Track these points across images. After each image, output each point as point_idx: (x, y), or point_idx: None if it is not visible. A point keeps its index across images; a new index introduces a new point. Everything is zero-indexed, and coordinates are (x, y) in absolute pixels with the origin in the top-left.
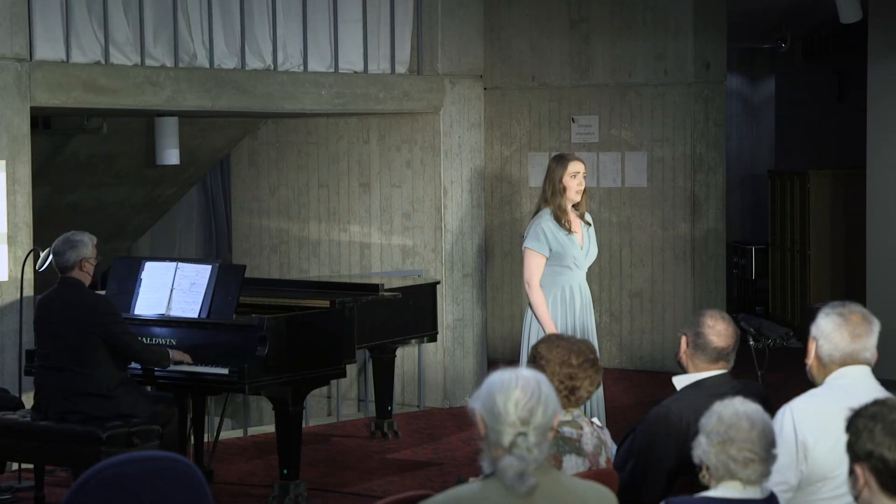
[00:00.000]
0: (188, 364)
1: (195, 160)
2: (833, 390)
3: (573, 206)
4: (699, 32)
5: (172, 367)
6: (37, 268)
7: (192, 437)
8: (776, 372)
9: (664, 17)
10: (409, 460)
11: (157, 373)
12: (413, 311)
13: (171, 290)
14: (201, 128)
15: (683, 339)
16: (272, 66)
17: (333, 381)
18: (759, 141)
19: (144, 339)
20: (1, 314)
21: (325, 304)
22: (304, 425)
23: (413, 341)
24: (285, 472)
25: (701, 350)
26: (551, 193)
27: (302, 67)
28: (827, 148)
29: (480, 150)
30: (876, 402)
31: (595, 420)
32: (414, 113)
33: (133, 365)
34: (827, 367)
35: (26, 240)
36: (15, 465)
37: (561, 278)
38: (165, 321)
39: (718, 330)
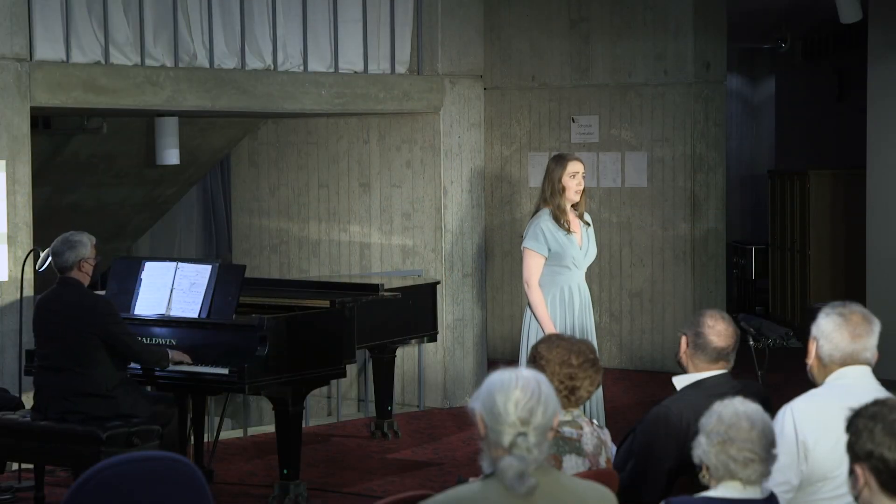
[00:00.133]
0: (188, 364)
1: (195, 160)
2: (833, 390)
3: (572, 206)
4: (699, 32)
5: (172, 367)
6: (37, 268)
7: (192, 437)
8: (776, 372)
9: (664, 17)
10: (409, 460)
11: (157, 373)
12: (413, 311)
13: (171, 290)
14: (201, 128)
15: (683, 339)
16: (272, 66)
17: (333, 381)
18: (759, 141)
19: (144, 339)
20: (1, 314)
21: (325, 304)
22: (304, 425)
23: (413, 341)
24: (285, 472)
25: (701, 350)
26: (550, 193)
27: (302, 67)
28: (827, 148)
29: (480, 150)
30: (876, 402)
31: (594, 420)
32: (414, 113)
33: (133, 365)
34: (827, 367)
35: (26, 240)
36: (15, 465)
37: (560, 278)
38: (165, 321)
39: (718, 330)
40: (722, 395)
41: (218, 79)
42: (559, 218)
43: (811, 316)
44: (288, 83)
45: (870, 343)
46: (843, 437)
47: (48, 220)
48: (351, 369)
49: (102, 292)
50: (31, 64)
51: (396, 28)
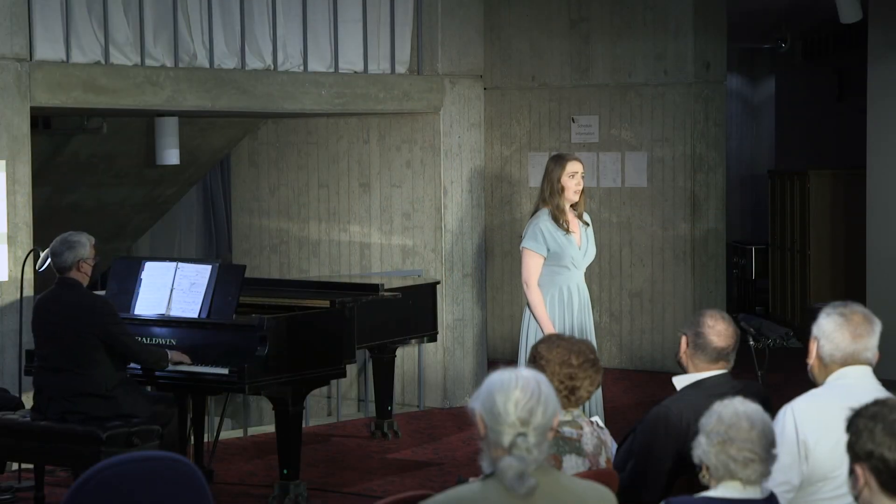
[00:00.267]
0: (187, 365)
1: (195, 160)
2: (834, 390)
3: (571, 206)
4: (699, 32)
5: (172, 368)
6: (37, 268)
7: (192, 437)
8: (776, 372)
9: (664, 17)
10: (409, 460)
11: (157, 373)
12: (413, 311)
13: (171, 290)
14: (201, 128)
15: (683, 339)
16: (272, 66)
17: (333, 381)
18: (759, 141)
19: (144, 339)
20: (1, 314)
21: (325, 304)
22: (304, 425)
23: (413, 341)
24: (285, 472)
25: (701, 350)
26: (549, 193)
27: (302, 67)
28: (827, 148)
29: (480, 150)
30: (876, 402)
31: (596, 419)
32: (414, 113)
33: (133, 365)
34: (828, 366)
35: (26, 240)
36: (15, 465)
37: (559, 278)
38: (165, 321)
39: (718, 330)
40: (722, 395)
41: (218, 79)
42: (558, 218)
43: (811, 316)
44: (288, 83)
45: (871, 343)
46: (844, 437)
47: (48, 220)
48: (351, 369)
49: (102, 292)
50: (31, 64)
51: (396, 28)
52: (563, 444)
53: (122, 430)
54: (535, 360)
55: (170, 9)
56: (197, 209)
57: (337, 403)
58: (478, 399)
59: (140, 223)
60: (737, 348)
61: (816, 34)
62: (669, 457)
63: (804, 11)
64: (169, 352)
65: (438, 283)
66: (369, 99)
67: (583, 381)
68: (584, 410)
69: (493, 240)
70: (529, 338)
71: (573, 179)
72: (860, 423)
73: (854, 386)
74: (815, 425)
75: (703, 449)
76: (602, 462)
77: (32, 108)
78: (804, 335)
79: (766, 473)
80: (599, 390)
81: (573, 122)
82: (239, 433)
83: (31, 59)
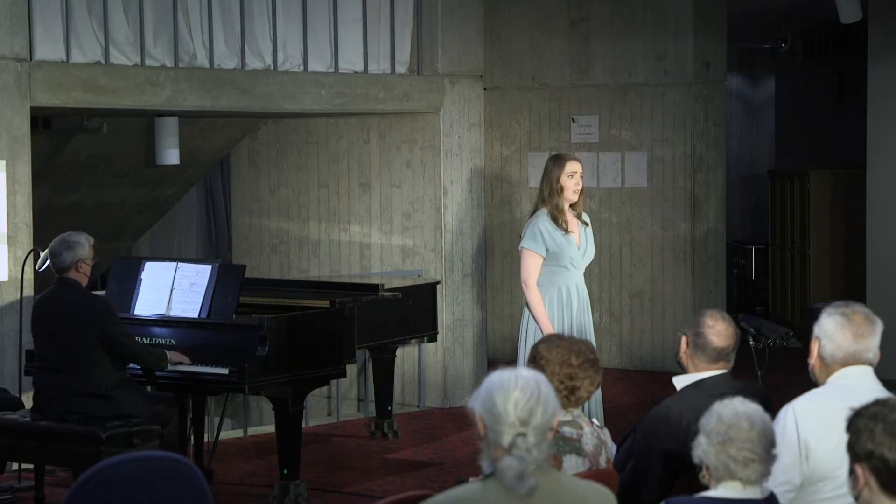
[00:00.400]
0: (187, 365)
1: (195, 160)
2: (835, 390)
3: (570, 205)
4: (699, 32)
5: (171, 368)
6: (37, 268)
7: (192, 437)
8: (776, 372)
9: (664, 17)
10: (409, 460)
11: (157, 372)
12: (413, 311)
13: (171, 290)
14: (201, 128)
15: (683, 339)
16: (272, 66)
17: (333, 381)
18: (759, 141)
19: (144, 339)
20: (1, 314)
21: (325, 304)
22: (304, 425)
23: (413, 341)
24: (285, 472)
25: (701, 350)
26: (548, 193)
27: (302, 67)
28: (827, 148)
29: (480, 150)
30: (877, 402)
31: (595, 420)
32: (414, 113)
33: (133, 365)
34: (829, 366)
35: (26, 240)
36: (15, 465)
37: (558, 278)
38: (165, 321)
39: (718, 330)
40: (722, 395)
41: (218, 79)
42: (557, 218)
43: (811, 316)
44: (288, 83)
45: (872, 343)
46: (845, 437)
47: (48, 220)
48: (351, 369)
49: (102, 292)
50: (31, 64)
51: (396, 28)
52: (563, 444)
53: (122, 430)
54: (535, 360)
55: (170, 9)
56: (197, 209)
57: (337, 403)
58: (477, 399)
59: (140, 223)
60: (737, 348)
61: (816, 34)
62: (669, 457)
63: (804, 11)
64: (168, 352)
65: (438, 283)
66: (369, 99)
67: (583, 381)
68: (583, 410)
69: (493, 240)
70: (529, 338)
71: (572, 179)
72: (860, 423)
73: (855, 386)
74: (816, 425)
75: (703, 449)
76: (602, 462)
77: (32, 108)
78: (804, 335)
79: (766, 473)
80: (599, 390)
81: (573, 122)
82: (239, 433)
83: (31, 59)
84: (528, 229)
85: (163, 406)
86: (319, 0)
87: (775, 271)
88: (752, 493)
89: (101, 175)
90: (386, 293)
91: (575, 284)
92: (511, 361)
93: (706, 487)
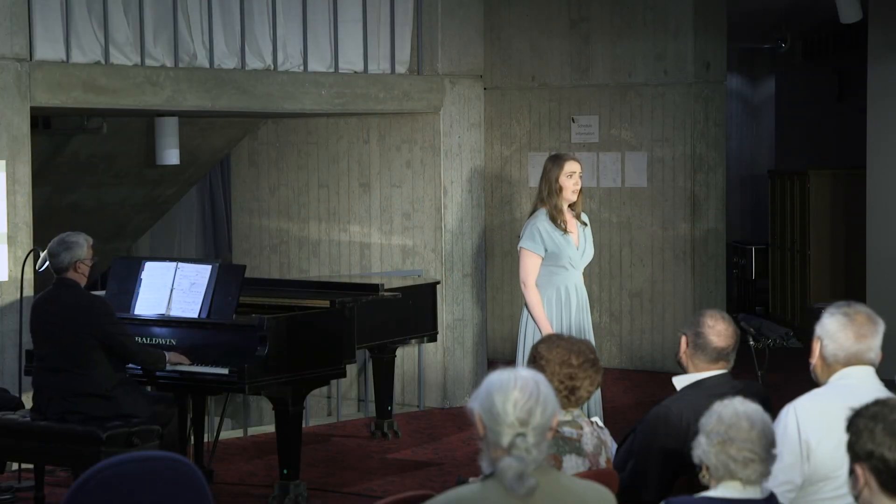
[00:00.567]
0: (186, 365)
1: (195, 160)
2: (837, 390)
3: (569, 206)
4: (699, 32)
5: (171, 368)
6: (36, 268)
7: (192, 437)
8: (776, 372)
9: (664, 17)
10: (409, 460)
11: (157, 372)
12: (413, 311)
13: (171, 290)
14: (201, 128)
15: (683, 339)
16: (272, 66)
17: (333, 381)
18: (759, 141)
19: (144, 339)
20: (1, 314)
21: (325, 304)
22: (304, 425)
23: (413, 341)
24: (285, 472)
25: (701, 350)
26: (547, 193)
27: (302, 67)
28: (827, 148)
29: (480, 150)
30: (877, 402)
31: (596, 419)
32: (414, 113)
33: (132, 365)
34: (831, 366)
35: (26, 240)
36: (15, 465)
37: (557, 278)
38: (165, 321)
39: (718, 330)
40: (722, 395)
41: (218, 79)
42: (556, 218)
43: (811, 316)
44: (288, 83)
45: (874, 343)
46: (846, 437)
47: (48, 220)
48: (351, 369)
49: (102, 292)
50: (31, 64)
51: (396, 28)
52: (563, 444)
53: (122, 430)
54: (535, 360)
55: (170, 9)
56: (197, 209)
57: (337, 403)
58: (476, 399)
59: (140, 223)
60: (737, 348)
61: (816, 34)
62: (669, 457)
63: (804, 11)
64: (167, 353)
65: (438, 283)
66: (369, 99)
67: (583, 381)
68: (583, 410)
69: (493, 240)
70: (528, 338)
71: (571, 179)
72: (860, 423)
73: (857, 386)
74: (818, 425)
75: (703, 449)
76: (602, 462)
77: (32, 108)
78: (804, 335)
79: (765, 473)
80: (599, 390)
81: (573, 122)
82: (239, 433)
83: (31, 59)
84: (526, 229)
85: (163, 406)
86: (319, 0)
87: (775, 271)
88: (752, 493)
89: (101, 175)
90: (386, 293)
91: (574, 285)
92: (511, 361)
93: (706, 487)
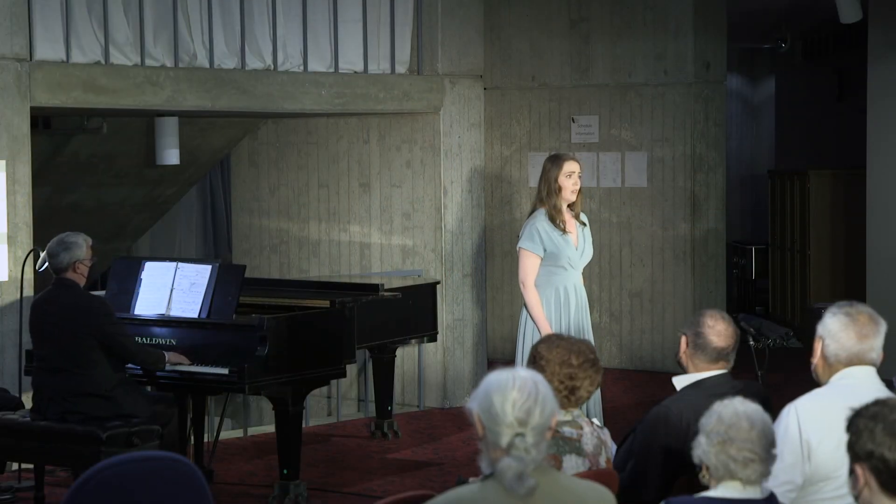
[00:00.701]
0: (186, 365)
1: (195, 160)
2: (838, 390)
3: (568, 206)
4: (699, 32)
5: (170, 368)
6: (36, 268)
7: (192, 437)
8: (776, 372)
9: (664, 17)
10: (409, 460)
11: (157, 372)
12: (413, 311)
13: (171, 290)
14: (201, 128)
15: (683, 339)
16: (272, 66)
17: (333, 381)
18: (759, 141)
19: (144, 339)
20: (1, 314)
21: (325, 304)
22: (304, 425)
23: (413, 341)
24: (285, 472)
25: (701, 350)
26: (546, 193)
27: (302, 67)
28: (827, 148)
29: (480, 150)
30: (877, 402)
31: (595, 420)
32: (414, 113)
33: (132, 365)
34: (833, 366)
35: (26, 240)
36: (15, 465)
37: (556, 278)
38: (165, 321)
39: (718, 330)
40: (722, 395)
41: (218, 79)
42: (555, 218)
43: (811, 316)
44: (288, 83)
45: (876, 343)
46: (846, 437)
47: (48, 220)
48: (351, 369)
49: (102, 292)
50: (31, 64)
51: (396, 28)
52: (563, 444)
53: (122, 430)
54: (535, 360)
55: (170, 9)
56: (197, 209)
57: (337, 403)
58: (475, 400)
59: (140, 223)
60: (737, 348)
61: (816, 34)
62: (669, 457)
63: (804, 11)
64: (167, 353)
65: (438, 283)
66: (369, 99)
67: (583, 381)
68: (583, 410)
69: (493, 240)
70: (527, 338)
71: (570, 179)
72: (860, 423)
73: (858, 386)
74: (819, 425)
75: (703, 449)
76: (602, 462)
77: (32, 108)
78: (804, 335)
79: (765, 473)
80: (598, 390)
81: (573, 122)
82: (239, 433)
83: (31, 59)
84: (525, 229)
85: (163, 406)
86: (319, 0)
87: (775, 271)
88: (752, 493)
89: (101, 175)
90: (386, 293)
91: (573, 285)
92: (511, 361)
93: (706, 487)
